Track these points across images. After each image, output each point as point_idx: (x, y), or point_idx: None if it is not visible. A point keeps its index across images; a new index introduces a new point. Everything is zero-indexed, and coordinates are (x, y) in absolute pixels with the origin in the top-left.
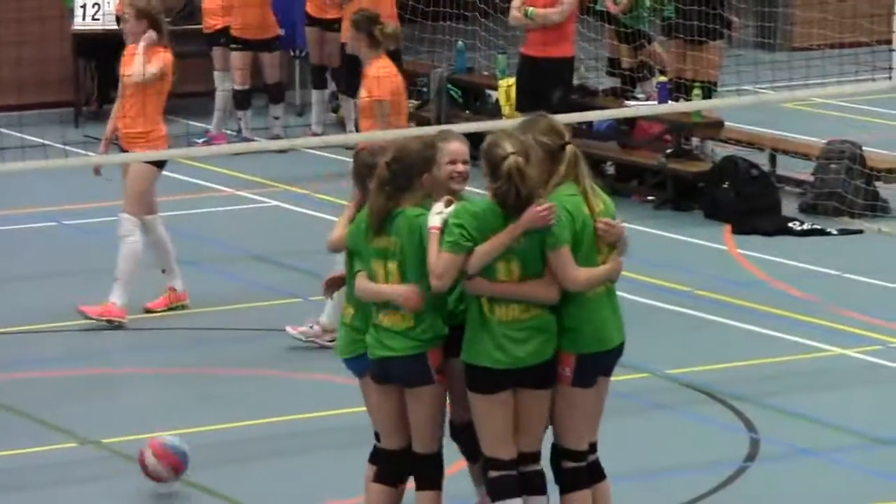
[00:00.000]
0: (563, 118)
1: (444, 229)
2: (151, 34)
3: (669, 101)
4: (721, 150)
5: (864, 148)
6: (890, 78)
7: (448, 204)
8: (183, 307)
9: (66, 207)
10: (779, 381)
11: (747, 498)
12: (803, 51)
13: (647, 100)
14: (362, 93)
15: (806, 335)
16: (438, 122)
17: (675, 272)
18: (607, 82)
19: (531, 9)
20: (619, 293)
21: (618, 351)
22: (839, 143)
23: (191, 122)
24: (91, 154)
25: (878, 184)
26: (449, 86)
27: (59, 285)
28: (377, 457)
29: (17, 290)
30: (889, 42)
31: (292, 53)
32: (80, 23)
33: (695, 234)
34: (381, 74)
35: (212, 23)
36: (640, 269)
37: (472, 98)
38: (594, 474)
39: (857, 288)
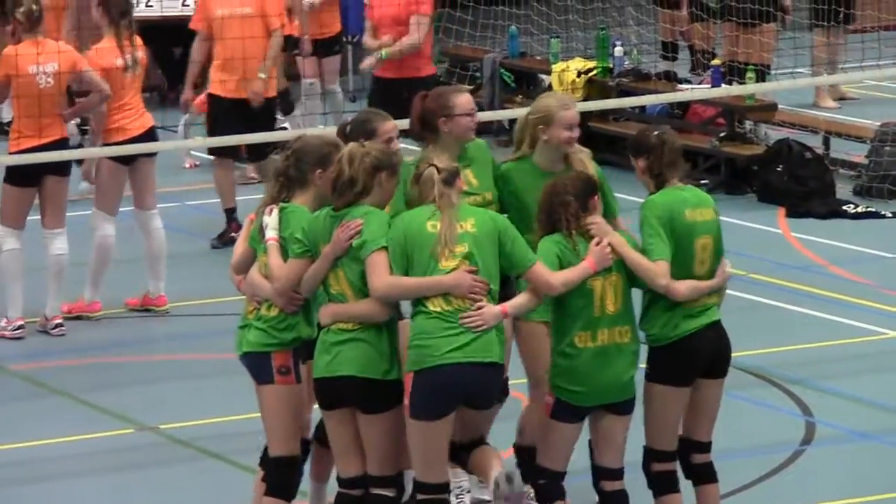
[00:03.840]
0: (616, 102)
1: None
2: None
3: (723, 85)
4: (774, 133)
5: None
6: None
7: (270, 213)
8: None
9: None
10: (835, 365)
11: (803, 482)
12: (858, 33)
13: (701, 83)
14: None
15: (862, 318)
16: (491, 107)
17: (729, 256)
18: (661, 66)
19: (385, 51)
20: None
21: (466, 371)
22: (894, 125)
23: None
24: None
25: None
26: (502, 70)
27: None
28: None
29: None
30: None
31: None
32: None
33: (748, 217)
34: None
35: None
36: None
37: (524, 82)
38: None
39: None
